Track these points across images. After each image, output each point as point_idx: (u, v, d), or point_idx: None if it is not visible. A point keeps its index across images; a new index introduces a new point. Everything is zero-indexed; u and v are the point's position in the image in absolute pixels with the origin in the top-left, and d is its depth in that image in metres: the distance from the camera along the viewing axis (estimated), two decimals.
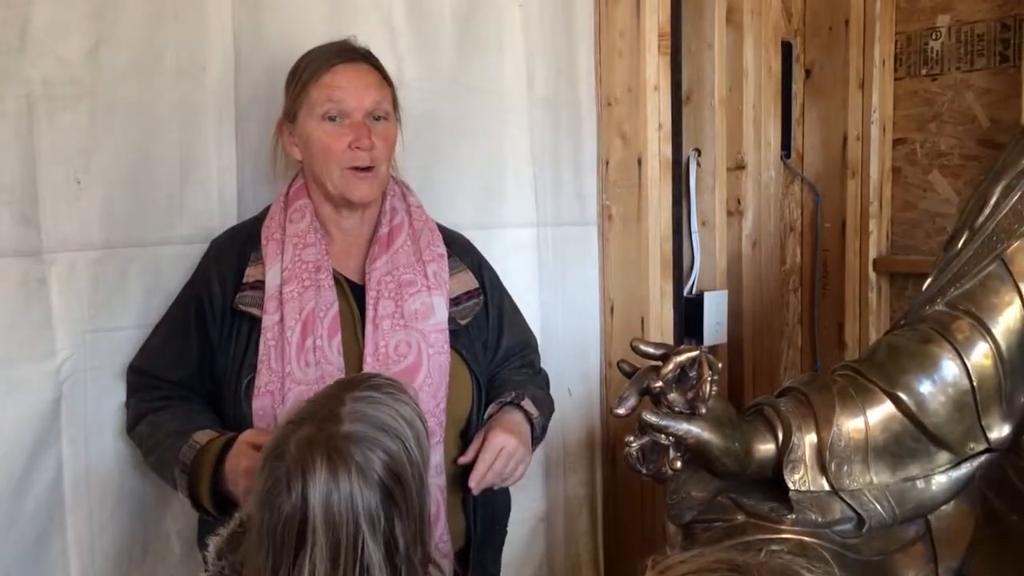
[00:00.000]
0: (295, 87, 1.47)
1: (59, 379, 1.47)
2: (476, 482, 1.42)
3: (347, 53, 1.48)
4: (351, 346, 1.42)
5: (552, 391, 2.11)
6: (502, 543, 1.63)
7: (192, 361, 1.45)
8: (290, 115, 1.48)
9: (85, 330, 1.49)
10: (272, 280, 1.41)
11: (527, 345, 1.67)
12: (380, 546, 1.03)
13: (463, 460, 1.44)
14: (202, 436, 1.36)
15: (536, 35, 2.05)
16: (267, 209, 1.53)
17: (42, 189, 1.44)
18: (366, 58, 1.50)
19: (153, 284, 1.56)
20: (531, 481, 2.10)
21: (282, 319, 1.39)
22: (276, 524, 1.02)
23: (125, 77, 1.53)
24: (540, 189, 2.09)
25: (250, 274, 1.44)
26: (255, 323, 1.41)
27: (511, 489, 1.66)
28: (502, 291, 1.65)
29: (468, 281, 1.55)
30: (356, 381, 1.14)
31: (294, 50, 1.56)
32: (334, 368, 1.38)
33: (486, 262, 1.65)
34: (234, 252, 1.48)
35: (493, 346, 1.59)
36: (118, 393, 1.53)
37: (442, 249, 1.53)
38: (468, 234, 1.69)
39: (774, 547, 1.19)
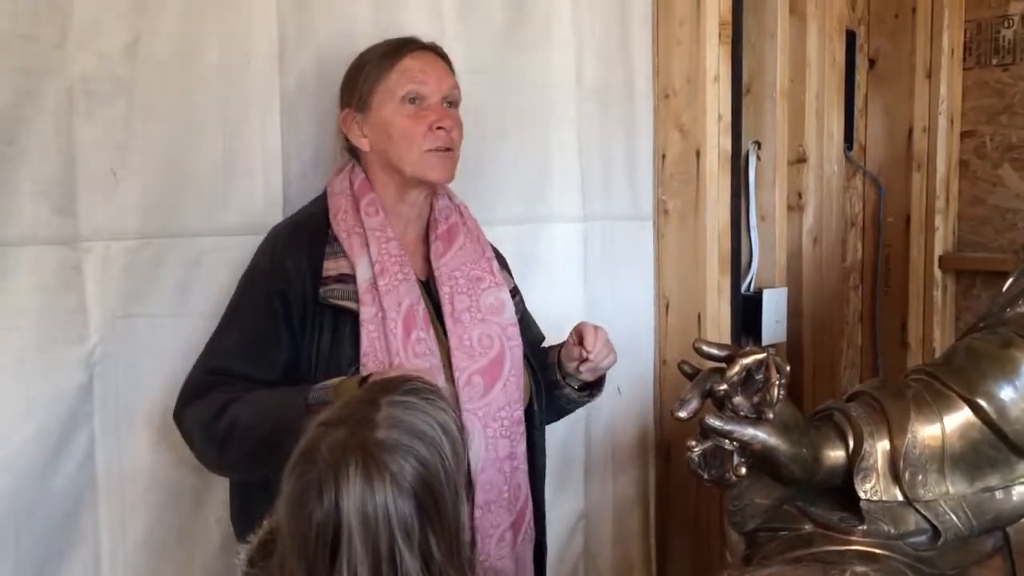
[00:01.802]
0: (370, 76, 1.47)
1: (91, 362, 1.49)
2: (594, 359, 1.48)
3: (416, 41, 1.51)
4: (437, 339, 1.43)
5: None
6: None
7: (280, 362, 1.40)
8: (361, 105, 1.48)
9: (117, 316, 1.51)
10: (363, 273, 1.40)
11: (542, 338, 1.69)
12: (417, 557, 1.00)
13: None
14: (331, 381, 1.31)
15: (586, 26, 2.03)
16: (317, 201, 1.52)
17: (80, 180, 1.47)
18: (435, 48, 1.53)
19: (192, 273, 1.57)
20: (571, 479, 2.09)
21: (381, 311, 1.38)
22: (308, 532, 0.99)
23: (167, 70, 1.54)
24: (587, 183, 2.06)
25: (331, 267, 1.42)
26: (342, 316, 1.40)
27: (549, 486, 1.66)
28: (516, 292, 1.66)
29: (509, 280, 1.58)
30: (394, 384, 1.10)
31: (341, 40, 1.56)
32: (438, 361, 1.40)
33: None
34: (303, 244, 1.45)
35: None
36: (149, 377, 1.54)
37: (492, 251, 1.57)
38: (514, 228, 1.74)
39: (858, 568, 1.13)
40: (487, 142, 1.89)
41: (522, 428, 1.45)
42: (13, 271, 1.41)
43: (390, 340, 1.37)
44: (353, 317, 1.38)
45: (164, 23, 1.53)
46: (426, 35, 1.57)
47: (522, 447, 1.45)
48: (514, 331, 1.48)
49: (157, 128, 1.54)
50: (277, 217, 1.61)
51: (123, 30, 1.49)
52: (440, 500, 1.03)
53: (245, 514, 1.45)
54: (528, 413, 1.52)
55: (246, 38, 1.62)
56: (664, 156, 2.14)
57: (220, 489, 1.62)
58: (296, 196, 1.65)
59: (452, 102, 1.50)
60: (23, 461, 1.42)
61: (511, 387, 1.44)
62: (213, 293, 1.56)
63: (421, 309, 1.41)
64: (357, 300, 1.39)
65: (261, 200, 1.64)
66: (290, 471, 1.03)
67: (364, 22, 1.69)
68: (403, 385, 1.09)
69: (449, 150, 1.47)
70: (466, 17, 1.86)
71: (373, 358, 1.36)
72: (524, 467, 1.45)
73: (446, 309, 1.44)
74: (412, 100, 1.45)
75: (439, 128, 1.44)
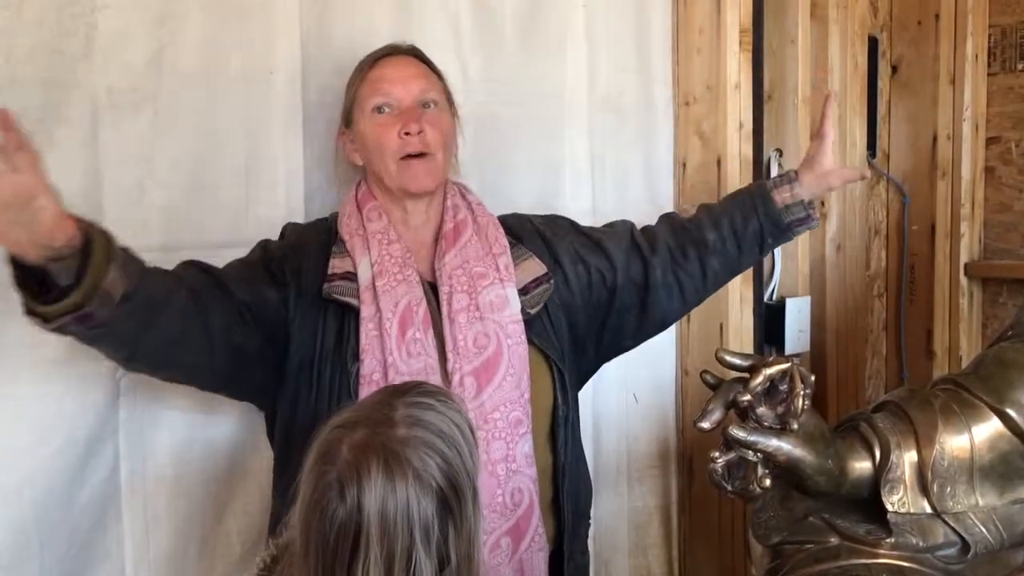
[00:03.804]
0: (349, 92, 1.51)
1: (117, 376, 1.50)
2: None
3: (390, 48, 1.51)
4: (436, 342, 1.41)
5: (616, 397, 2.09)
6: (587, 533, 1.61)
7: (266, 299, 1.39)
8: (347, 120, 1.51)
9: None
10: (364, 272, 1.41)
11: (628, 230, 1.63)
12: (432, 559, 0.99)
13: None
14: None
15: (600, 35, 2.02)
16: (335, 215, 1.53)
17: (106, 193, 1.47)
18: (410, 52, 1.52)
19: None
20: None
21: (379, 311, 1.39)
22: (328, 533, 0.98)
23: (190, 82, 1.54)
24: (599, 192, 2.04)
25: (336, 266, 1.43)
26: (347, 312, 1.41)
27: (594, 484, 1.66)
28: (568, 232, 1.60)
29: (535, 268, 1.51)
30: (405, 388, 1.11)
31: (361, 52, 1.56)
32: (434, 362, 1.38)
33: (539, 221, 1.60)
34: (321, 244, 1.47)
35: (610, 267, 1.56)
36: (173, 390, 1.54)
37: (506, 241, 1.51)
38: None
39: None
40: (502, 151, 1.89)
41: (522, 429, 1.40)
42: None
43: (385, 339, 1.37)
44: (356, 313, 1.39)
45: (187, 35, 1.54)
46: (444, 47, 1.57)
47: (523, 449, 1.40)
48: (515, 328, 1.42)
49: (181, 140, 1.54)
50: None
51: (147, 41, 1.50)
52: (462, 499, 1.02)
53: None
54: (553, 411, 1.48)
55: (269, 50, 1.62)
56: (685, 164, 2.12)
57: (241, 499, 1.64)
58: (317, 208, 1.66)
59: (428, 103, 1.47)
60: (49, 476, 1.42)
61: (507, 387, 1.39)
62: None
63: (421, 310, 1.40)
64: (359, 298, 1.40)
65: (283, 212, 1.64)
66: (308, 473, 1.02)
67: (383, 35, 1.69)
68: (416, 387, 1.10)
69: (425, 154, 1.44)
70: (483, 28, 1.87)
71: (371, 355, 1.37)
72: (528, 471, 1.40)
73: (444, 310, 1.41)
74: (382, 109, 1.45)
75: (406, 134, 1.43)
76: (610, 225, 1.66)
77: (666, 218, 1.67)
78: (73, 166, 1.43)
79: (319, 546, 0.99)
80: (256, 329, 1.37)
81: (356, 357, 1.38)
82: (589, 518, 1.61)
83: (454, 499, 1.01)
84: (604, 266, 1.56)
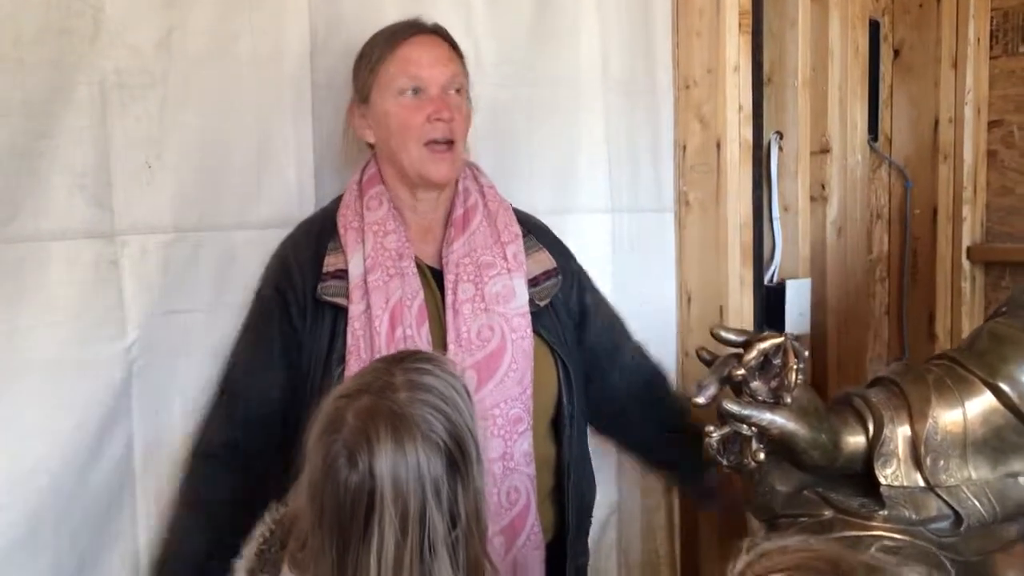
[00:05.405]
0: (368, 66, 1.46)
1: (129, 358, 1.49)
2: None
3: (420, 26, 1.47)
4: (435, 333, 1.39)
5: None
6: (588, 531, 1.61)
7: (279, 384, 1.42)
8: (363, 95, 1.47)
9: (156, 312, 1.51)
10: (355, 269, 1.39)
11: (631, 340, 1.67)
12: (445, 517, 1.01)
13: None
14: None
15: (612, 18, 2.01)
16: (338, 200, 1.52)
17: (115, 174, 1.46)
18: (437, 31, 1.48)
19: (227, 268, 1.56)
20: (602, 472, 2.06)
21: (368, 308, 1.37)
22: (343, 500, 1.00)
23: (199, 64, 1.54)
24: (615, 175, 2.04)
25: (330, 263, 1.42)
26: (339, 313, 1.39)
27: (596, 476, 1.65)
28: (575, 276, 1.60)
29: (545, 260, 1.50)
30: (402, 356, 1.13)
31: (370, 32, 1.55)
32: None
33: (566, 250, 1.61)
34: (311, 242, 1.46)
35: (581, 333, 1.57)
36: (187, 373, 1.55)
37: (518, 229, 1.49)
38: (543, 220, 1.67)
39: (887, 543, 1.13)
40: (516, 134, 1.88)
41: (522, 427, 1.37)
42: (48, 265, 1.41)
43: (374, 338, 1.35)
44: (346, 313, 1.38)
45: (196, 16, 1.53)
46: (455, 30, 1.55)
47: (522, 447, 1.37)
48: (521, 322, 1.40)
49: (191, 122, 1.54)
50: (310, 210, 1.62)
51: (155, 23, 1.49)
52: (467, 457, 1.05)
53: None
54: (557, 407, 1.47)
55: (278, 31, 1.62)
56: (685, 147, 2.12)
57: None
58: (328, 189, 1.66)
59: (457, 89, 1.45)
60: (63, 457, 1.42)
61: (509, 383, 1.37)
62: (248, 287, 1.55)
63: (417, 304, 1.37)
64: (348, 296, 1.38)
65: (294, 193, 1.65)
66: (315, 445, 1.04)
67: (392, 17, 1.66)
68: (412, 355, 1.12)
69: (451, 142, 1.42)
70: (494, 9, 1.85)
71: (356, 356, 1.36)
72: (526, 469, 1.38)
73: (448, 300, 1.39)
74: (410, 91, 1.41)
75: (437, 119, 1.40)
76: (618, 320, 1.67)
77: (664, 381, 1.74)
78: (82, 149, 1.43)
79: (333, 514, 1.01)
80: (291, 397, 1.41)
81: (342, 359, 1.37)
82: (592, 516, 1.61)
83: (460, 457, 1.04)
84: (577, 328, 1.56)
